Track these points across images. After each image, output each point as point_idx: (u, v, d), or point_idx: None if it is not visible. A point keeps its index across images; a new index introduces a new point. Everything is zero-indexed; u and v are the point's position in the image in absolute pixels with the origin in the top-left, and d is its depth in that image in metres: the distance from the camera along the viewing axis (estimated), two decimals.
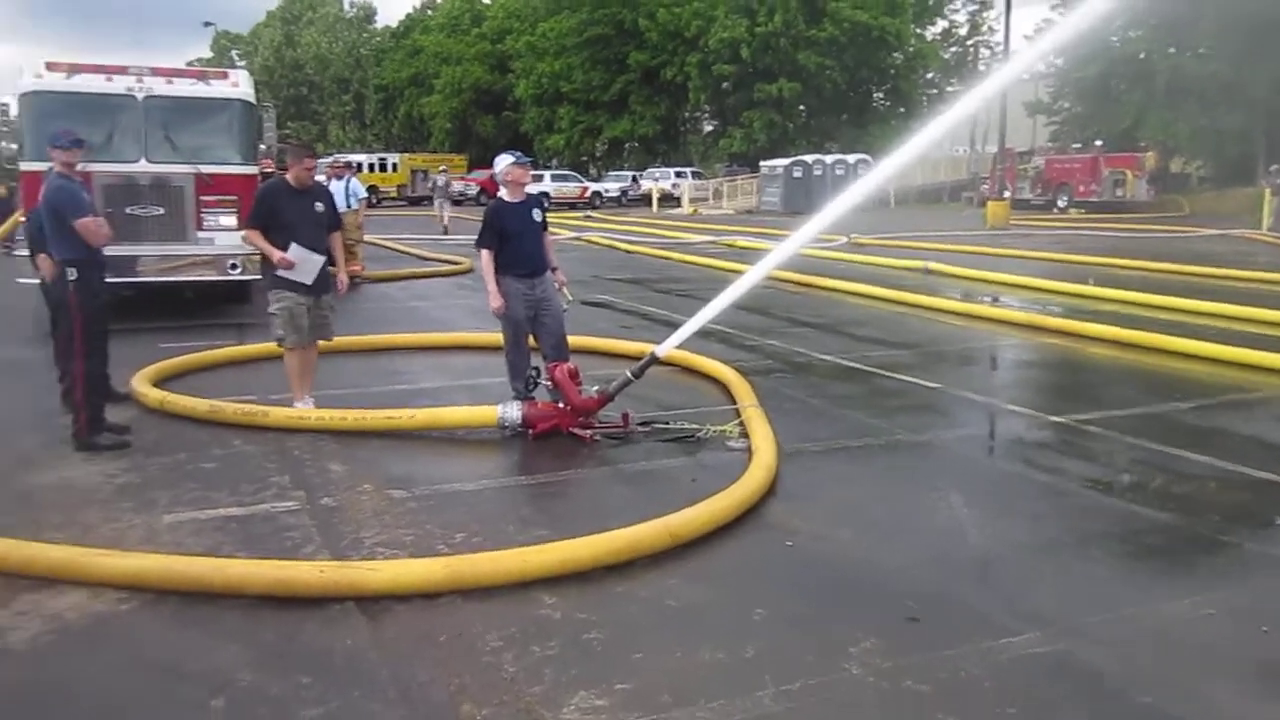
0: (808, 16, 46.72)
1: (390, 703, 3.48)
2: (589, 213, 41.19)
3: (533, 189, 32.24)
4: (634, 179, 50.97)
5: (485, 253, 7.25)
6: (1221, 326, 11.24)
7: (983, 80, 6.12)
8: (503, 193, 7.47)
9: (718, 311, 7.01)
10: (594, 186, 49.43)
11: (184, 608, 4.23)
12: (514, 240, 7.19)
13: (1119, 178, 36.59)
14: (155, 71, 11.86)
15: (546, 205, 7.79)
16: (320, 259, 7.34)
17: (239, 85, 12.50)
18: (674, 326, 10.61)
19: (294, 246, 7.15)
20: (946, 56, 55.96)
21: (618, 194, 49.52)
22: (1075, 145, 41.09)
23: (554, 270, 7.48)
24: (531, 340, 7.51)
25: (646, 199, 46.14)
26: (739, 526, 5.15)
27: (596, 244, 25.28)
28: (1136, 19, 39.05)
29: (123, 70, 11.72)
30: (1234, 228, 27.39)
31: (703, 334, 10.90)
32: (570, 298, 7.65)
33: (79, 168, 6.95)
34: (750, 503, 5.32)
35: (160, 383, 8.21)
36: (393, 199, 52.59)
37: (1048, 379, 9.80)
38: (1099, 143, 38.81)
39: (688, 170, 50.43)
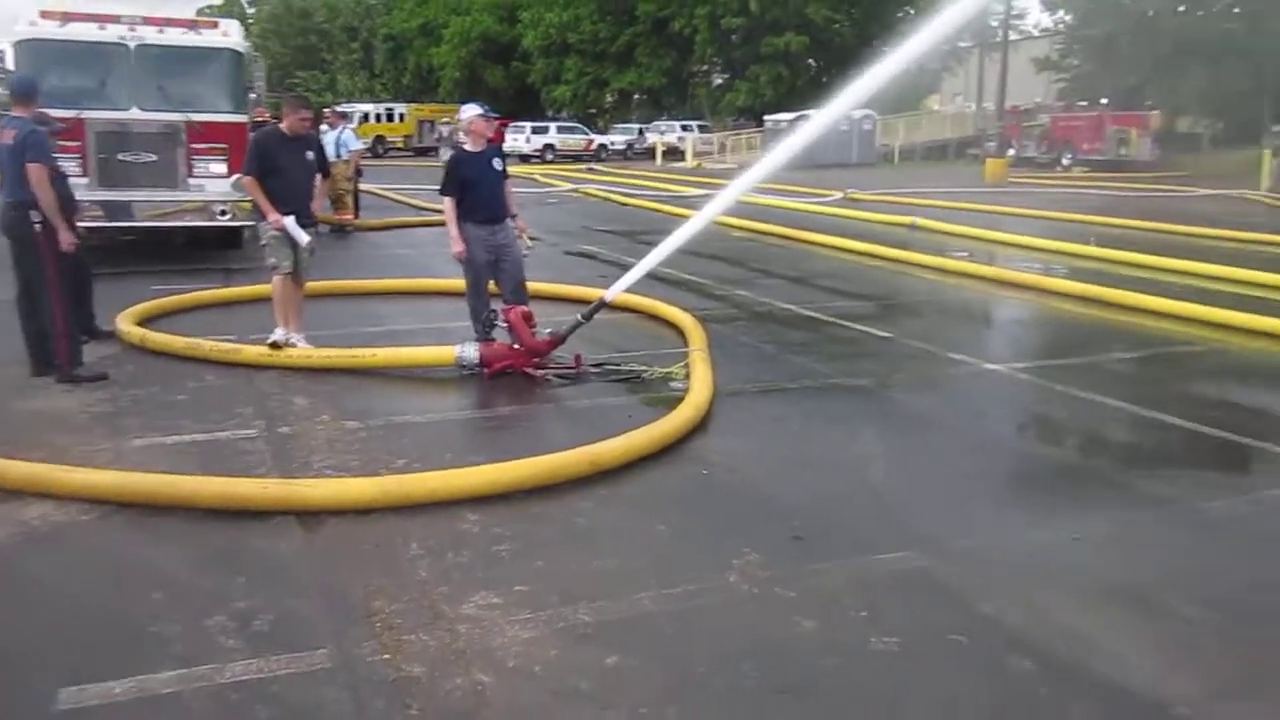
0: None
1: (311, 598, 3.90)
2: (592, 165, 41.34)
3: (539, 141, 32.41)
4: (640, 132, 50.95)
5: (448, 200, 7.61)
6: (1194, 285, 11.45)
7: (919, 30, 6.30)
8: (464, 142, 7.81)
9: (662, 257, 7.38)
10: (599, 139, 49.43)
11: (139, 518, 4.66)
12: (474, 188, 7.55)
13: (1123, 136, 36.46)
14: (147, 20, 12.13)
15: (505, 155, 8.11)
16: (308, 239, 7.72)
17: (229, 35, 12.80)
18: (650, 277, 11.04)
19: (291, 222, 7.51)
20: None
21: (623, 147, 49.55)
22: (1082, 103, 40.93)
23: (514, 217, 7.83)
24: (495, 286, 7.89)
25: (652, 152, 46.20)
26: (662, 458, 5.54)
27: (594, 196, 25.55)
28: None
29: (115, 19, 12.00)
30: (1235, 188, 27.47)
31: (675, 283, 11.37)
32: (530, 244, 8.00)
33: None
34: (674, 437, 5.71)
35: (145, 322, 8.61)
36: (399, 149, 52.71)
37: (999, 330, 10.15)
38: (1104, 101, 38.66)
39: (693, 124, 50.36)
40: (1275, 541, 4.60)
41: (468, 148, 7.75)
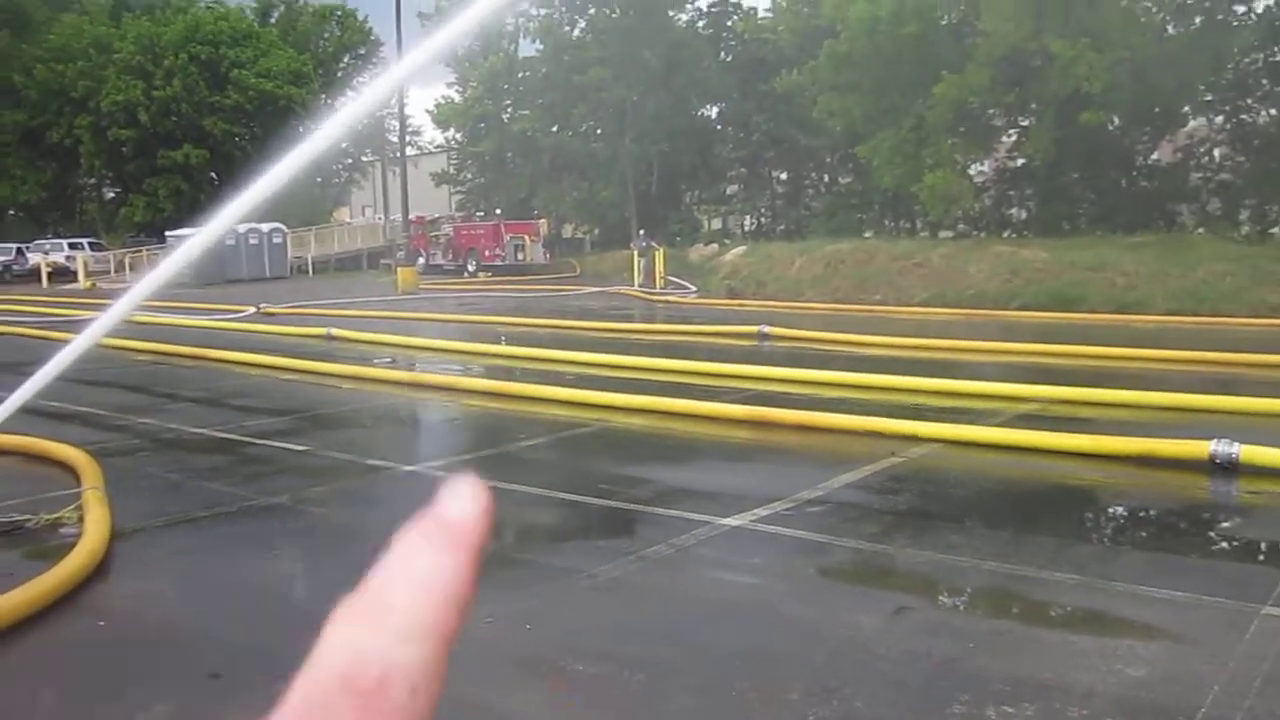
0: (210, 82, 45.39)
1: None
2: None
3: None
4: (19, 251, 45.49)
5: None
6: (583, 372, 12.78)
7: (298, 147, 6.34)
8: None
9: (36, 390, 6.64)
10: None
11: None
12: None
13: (519, 243, 39.89)
14: None
15: None
16: None
17: None
18: (33, 413, 9.86)
19: None
20: (360, 128, 57.22)
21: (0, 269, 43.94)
22: (479, 213, 44.20)
23: None
24: None
25: (37, 274, 41.44)
26: (50, 616, 4.94)
27: None
28: (522, 100, 43.29)
29: None
30: (614, 285, 31.31)
31: (66, 417, 10.30)
32: None
33: None
34: (64, 589, 5.12)
35: None
36: None
37: (418, 433, 10.55)
38: (498, 211, 42.14)
39: (84, 241, 46.11)
40: (651, 594, 5.28)
41: None
